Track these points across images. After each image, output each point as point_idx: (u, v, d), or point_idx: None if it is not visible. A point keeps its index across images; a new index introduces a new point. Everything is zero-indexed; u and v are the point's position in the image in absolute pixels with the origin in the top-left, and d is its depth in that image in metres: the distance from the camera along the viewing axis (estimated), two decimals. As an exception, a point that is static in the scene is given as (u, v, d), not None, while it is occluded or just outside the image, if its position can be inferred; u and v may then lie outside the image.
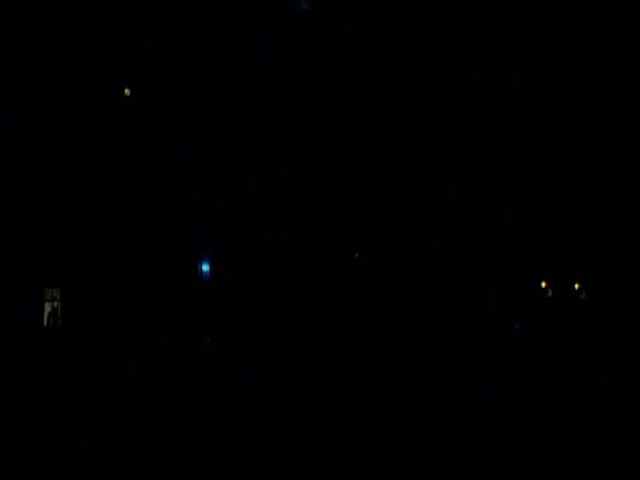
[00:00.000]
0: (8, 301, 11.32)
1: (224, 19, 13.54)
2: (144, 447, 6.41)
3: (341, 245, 14.07)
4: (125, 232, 12.83)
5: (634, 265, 11.96)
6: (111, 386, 8.83)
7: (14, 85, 11.65)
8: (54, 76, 12.04)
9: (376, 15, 13.45)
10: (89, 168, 12.55)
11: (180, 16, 13.23)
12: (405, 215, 13.65)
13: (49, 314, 11.91)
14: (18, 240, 11.65)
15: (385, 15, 13.40)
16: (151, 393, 8.52)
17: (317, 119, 13.97)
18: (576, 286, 12.13)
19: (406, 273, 13.50)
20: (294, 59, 13.85)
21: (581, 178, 12.53)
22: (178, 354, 11.19)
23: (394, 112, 13.56)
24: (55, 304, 11.97)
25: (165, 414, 7.47)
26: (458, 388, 9.31)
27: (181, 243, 13.40)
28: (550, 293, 12.31)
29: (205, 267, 13.92)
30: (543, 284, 12.38)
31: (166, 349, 11.27)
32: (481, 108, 13.38)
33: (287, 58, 13.84)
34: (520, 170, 12.88)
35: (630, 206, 12.15)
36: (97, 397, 8.16)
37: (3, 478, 5.73)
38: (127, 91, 13.15)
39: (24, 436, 6.64)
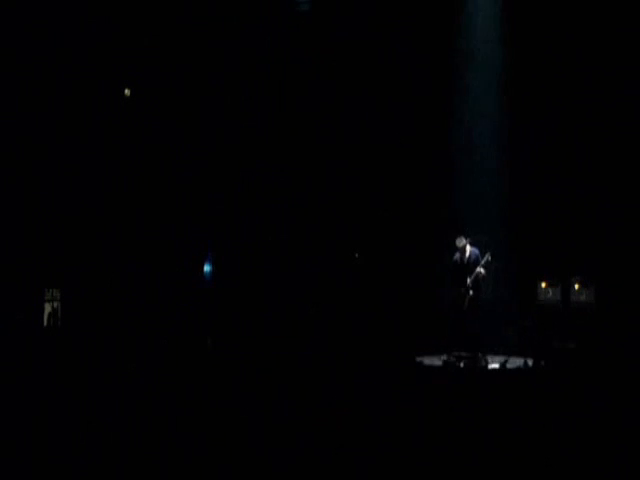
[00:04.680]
0: (8, 301, 11.32)
1: (224, 19, 13.56)
2: (144, 447, 6.41)
3: (341, 245, 14.09)
4: (125, 232, 12.84)
5: (635, 265, 11.95)
6: (111, 386, 8.84)
7: (13, 85, 11.66)
8: (54, 76, 12.04)
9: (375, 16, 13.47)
10: (89, 168, 12.56)
11: (180, 16, 13.24)
12: (404, 214, 13.67)
13: (49, 314, 11.91)
14: (18, 240, 11.65)
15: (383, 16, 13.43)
16: (151, 393, 8.53)
17: (317, 118, 13.99)
18: (576, 286, 12.10)
19: (406, 272, 13.51)
20: (294, 59, 13.87)
21: (581, 177, 12.53)
22: (178, 354, 11.20)
23: (394, 112, 13.57)
24: (55, 304, 11.98)
25: (165, 414, 7.48)
26: (461, 386, 9.34)
27: (181, 243, 13.41)
28: (550, 293, 12.29)
29: (206, 267, 13.94)
30: (543, 284, 12.36)
31: (166, 349, 11.27)
32: (480, 106, 13.40)
33: (287, 58, 13.85)
34: (520, 169, 12.88)
35: (631, 206, 12.14)
36: (97, 397, 8.16)
37: (3, 478, 5.74)
38: (127, 91, 13.16)
39: (24, 436, 6.65)
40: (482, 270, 11.30)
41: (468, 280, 11.34)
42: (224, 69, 13.78)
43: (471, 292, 11.35)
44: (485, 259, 11.27)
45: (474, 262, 11.37)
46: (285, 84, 13.93)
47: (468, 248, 11.52)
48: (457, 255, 11.53)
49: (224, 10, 13.49)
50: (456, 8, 13.52)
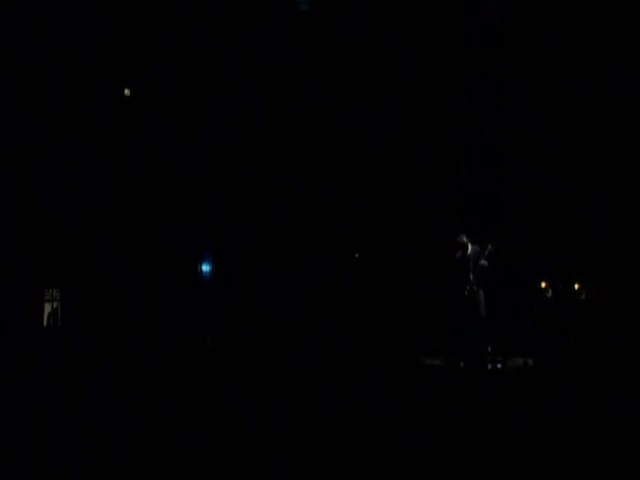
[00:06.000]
0: (8, 301, 11.31)
1: (224, 18, 13.55)
2: (145, 447, 6.41)
3: (341, 245, 14.09)
4: (125, 232, 12.84)
5: (635, 265, 11.96)
6: (112, 386, 8.84)
7: (13, 84, 11.65)
8: (54, 76, 12.03)
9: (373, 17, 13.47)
10: (89, 168, 12.55)
11: (180, 15, 13.23)
12: (405, 214, 13.67)
13: (49, 314, 11.89)
14: (18, 240, 11.64)
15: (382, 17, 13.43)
16: (151, 392, 8.52)
17: (318, 118, 13.98)
18: (576, 286, 12.12)
19: (407, 272, 13.51)
20: (294, 58, 13.86)
21: (582, 178, 12.54)
22: (178, 354, 11.19)
23: (394, 112, 13.57)
24: (55, 304, 11.97)
25: (166, 414, 7.48)
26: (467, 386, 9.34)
27: (181, 243, 13.41)
28: (550, 293, 12.30)
29: (205, 267, 13.94)
30: (543, 284, 12.37)
31: (166, 349, 11.27)
32: (481, 106, 13.40)
33: (287, 58, 13.85)
34: (521, 169, 12.89)
35: (631, 206, 12.15)
36: (97, 397, 8.16)
37: (3, 478, 5.74)
38: (127, 91, 13.16)
39: (25, 436, 6.64)
40: (485, 262, 11.29)
41: (471, 276, 11.34)
42: (224, 69, 13.77)
43: (474, 287, 11.33)
44: (488, 251, 11.25)
45: (476, 257, 11.37)
46: (285, 84, 13.92)
47: (469, 245, 11.54)
48: (459, 252, 11.55)
49: (224, 10, 13.48)
50: (457, 8, 13.53)
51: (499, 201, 12.98)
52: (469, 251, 11.51)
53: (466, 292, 11.36)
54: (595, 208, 12.31)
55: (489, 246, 11.25)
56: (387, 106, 13.55)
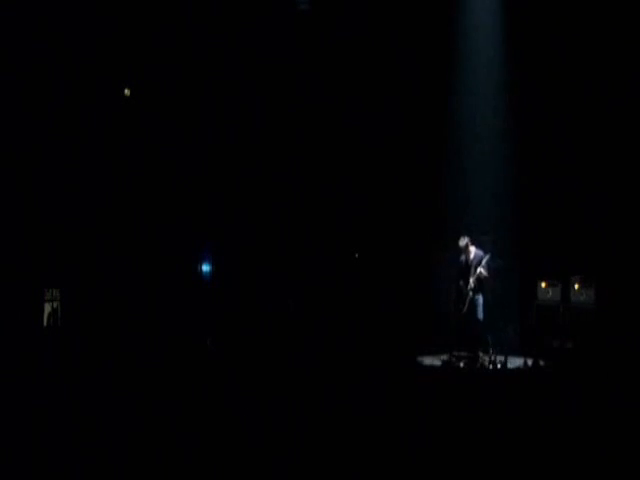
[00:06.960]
0: (8, 301, 11.30)
1: (224, 18, 13.55)
2: (145, 447, 6.41)
3: (341, 245, 14.09)
4: (125, 232, 12.83)
5: (635, 265, 11.95)
6: (111, 386, 8.84)
7: (13, 84, 11.65)
8: (54, 76, 12.03)
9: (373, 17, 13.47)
10: (89, 168, 12.55)
11: (179, 15, 13.23)
12: (405, 213, 13.68)
13: (49, 314, 11.89)
14: (18, 240, 11.64)
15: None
16: (151, 393, 8.53)
17: (317, 118, 13.98)
18: (576, 286, 12.10)
19: (406, 272, 13.52)
20: (294, 58, 13.86)
21: (582, 177, 12.54)
22: (178, 354, 11.20)
23: (395, 111, 13.57)
24: (55, 304, 11.96)
25: (165, 414, 7.48)
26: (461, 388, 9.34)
27: (181, 243, 13.41)
28: (550, 293, 12.30)
29: (205, 267, 13.94)
30: (543, 284, 12.36)
31: (166, 349, 11.27)
32: (481, 105, 13.40)
33: (287, 58, 13.84)
34: (521, 169, 12.89)
35: (630, 206, 12.15)
36: (97, 397, 8.16)
37: (3, 478, 5.74)
38: (127, 91, 13.16)
39: (24, 436, 6.64)
40: (483, 270, 11.33)
41: (470, 280, 11.38)
42: (224, 69, 13.77)
43: (471, 293, 11.40)
44: (485, 260, 11.32)
45: (477, 263, 11.41)
46: (285, 83, 13.92)
47: (472, 249, 11.56)
48: (462, 256, 11.61)
49: (224, 9, 13.48)
50: (456, 7, 13.54)
51: (500, 201, 12.97)
52: (472, 255, 11.53)
53: (464, 295, 11.42)
54: (596, 208, 12.30)
55: (486, 257, 11.31)
56: (386, 106, 13.55)
